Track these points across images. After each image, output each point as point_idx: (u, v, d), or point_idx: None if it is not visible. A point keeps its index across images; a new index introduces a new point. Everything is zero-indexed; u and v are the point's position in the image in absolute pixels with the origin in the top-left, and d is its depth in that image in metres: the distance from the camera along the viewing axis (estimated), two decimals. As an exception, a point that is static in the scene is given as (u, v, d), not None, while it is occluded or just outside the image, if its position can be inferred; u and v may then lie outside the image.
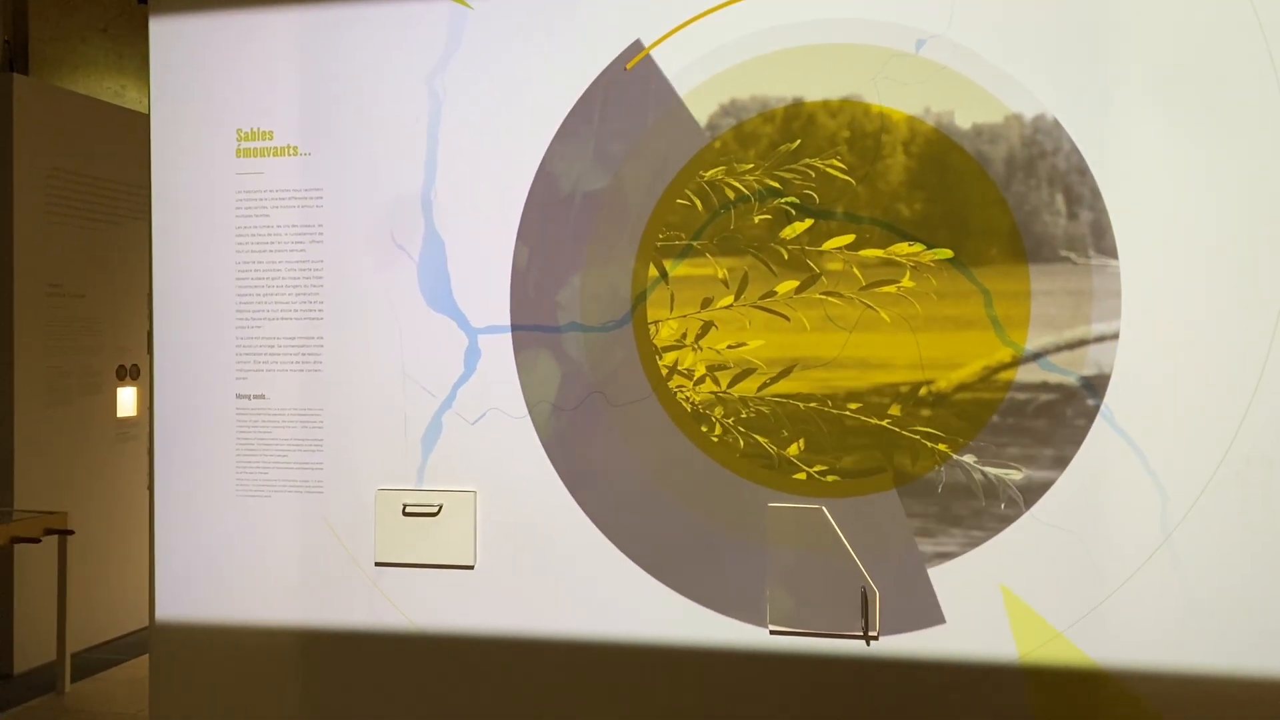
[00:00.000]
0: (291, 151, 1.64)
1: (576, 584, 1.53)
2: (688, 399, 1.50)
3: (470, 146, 1.57)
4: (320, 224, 1.63)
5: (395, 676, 1.59)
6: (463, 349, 1.57)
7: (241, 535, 1.65)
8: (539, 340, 1.55)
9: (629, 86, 1.51)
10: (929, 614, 1.43)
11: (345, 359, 1.62)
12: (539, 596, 1.54)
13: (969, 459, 1.42)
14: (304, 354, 1.63)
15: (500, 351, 1.56)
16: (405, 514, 1.58)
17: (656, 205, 1.50)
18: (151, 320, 1.69)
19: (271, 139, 1.65)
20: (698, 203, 1.49)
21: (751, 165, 1.47)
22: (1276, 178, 1.35)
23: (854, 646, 1.45)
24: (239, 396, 1.65)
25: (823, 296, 1.45)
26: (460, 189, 1.58)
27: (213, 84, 1.67)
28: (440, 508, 1.57)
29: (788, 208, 1.46)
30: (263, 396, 1.64)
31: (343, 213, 1.62)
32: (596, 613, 1.53)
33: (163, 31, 1.68)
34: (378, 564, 1.60)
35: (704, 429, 1.49)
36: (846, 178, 1.44)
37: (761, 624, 1.48)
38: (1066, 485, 1.40)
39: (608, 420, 1.52)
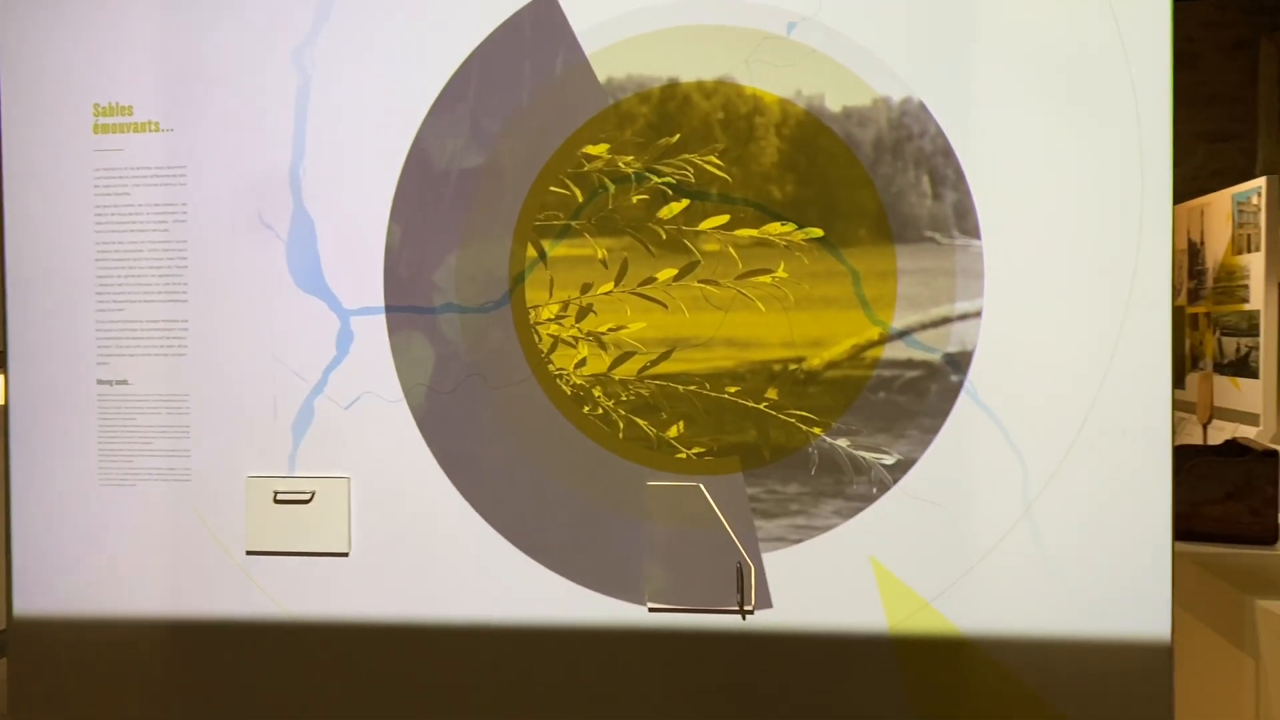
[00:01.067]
0: (152, 127, 1.57)
1: (455, 569, 1.52)
2: (568, 381, 1.49)
3: (341, 122, 1.53)
4: (184, 202, 1.57)
5: (270, 666, 1.55)
6: (334, 331, 1.54)
7: (105, 526, 1.59)
8: (414, 322, 1.52)
9: (506, 62, 1.49)
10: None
11: (211, 343, 1.56)
12: (416, 582, 1.53)
13: (840, 437, 1.45)
14: (168, 338, 1.57)
15: (374, 334, 1.53)
16: (276, 501, 1.54)
17: (534, 184, 1.49)
18: (5, 304, 1.60)
19: (131, 114, 1.58)
20: (576, 190, 1.48)
21: (631, 157, 1.47)
22: (1128, 161, 1.41)
23: (730, 621, 1.47)
24: (100, 382, 1.58)
25: (700, 285, 1.47)
26: (330, 166, 1.54)
27: (67, 55, 1.59)
28: (313, 494, 1.54)
29: (664, 188, 1.47)
30: (125, 382, 1.58)
31: (207, 191, 1.56)
32: (476, 597, 1.52)
33: (12, 0, 1.59)
34: (249, 553, 1.56)
35: (584, 410, 1.49)
36: (724, 175, 1.46)
37: (641, 602, 1.49)
38: (933, 459, 1.44)
39: (486, 403, 1.51)
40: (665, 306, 1.47)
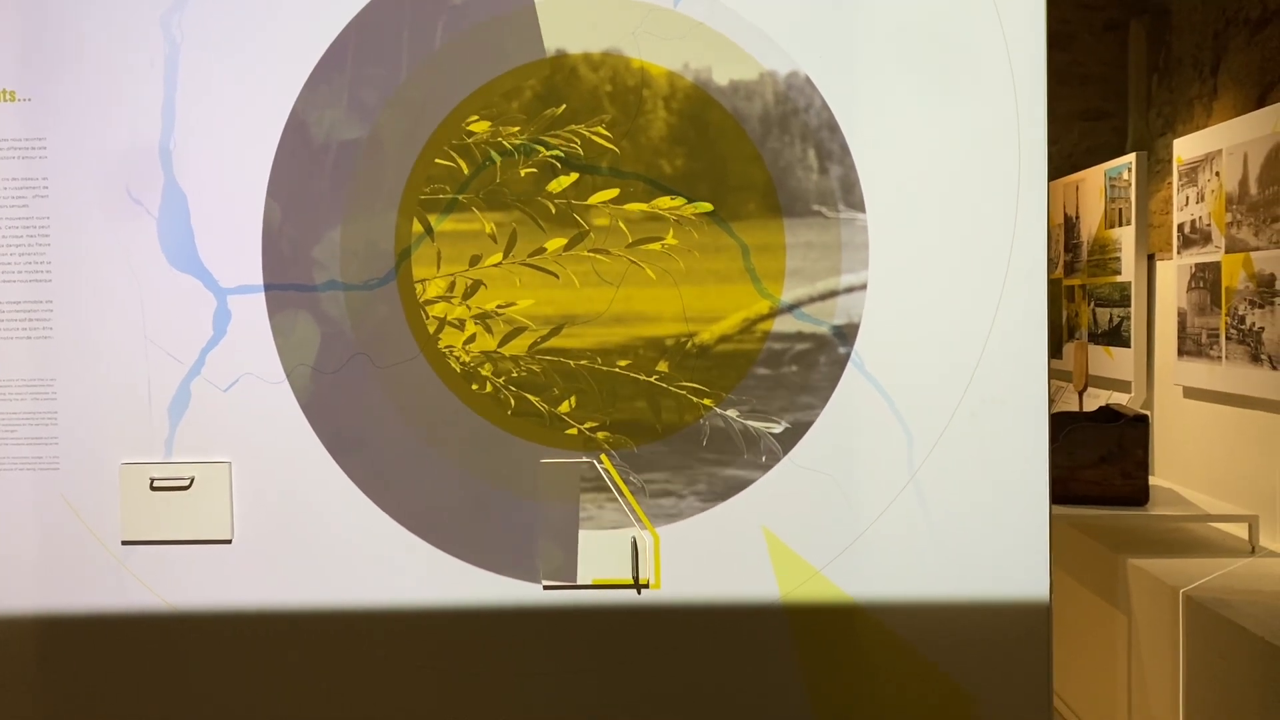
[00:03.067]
0: (8, 97, 1.48)
1: (344, 553, 1.48)
2: (457, 359, 1.47)
3: (212, 92, 1.47)
4: (45, 177, 1.48)
5: (151, 659, 1.50)
6: (211, 311, 1.48)
7: (-33, 520, 1.50)
8: (295, 300, 1.47)
9: (386, 31, 1.45)
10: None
11: (78, 324, 1.49)
12: (304, 568, 1.49)
13: (731, 410, 1.46)
14: (31, 320, 1.49)
15: (253, 313, 1.48)
16: (153, 489, 1.48)
17: (418, 158, 1.46)
18: None
19: (-16, 82, 1.49)
20: (462, 163, 1.45)
21: (518, 129, 1.45)
22: (1006, 137, 1.44)
23: (626, 596, 1.48)
24: (-43, 368, 1.49)
25: (591, 254, 1.45)
26: (203, 139, 1.47)
27: (-90, 19, 1.48)
28: (192, 480, 1.48)
29: (553, 161, 1.45)
30: (-15, 367, 1.49)
31: (70, 164, 1.48)
32: (366, 581, 1.48)
33: None
34: (125, 543, 1.49)
35: (474, 388, 1.47)
36: (612, 146, 1.44)
37: (535, 580, 1.48)
38: (821, 430, 1.46)
39: (373, 382, 1.47)
40: (556, 277, 1.45)
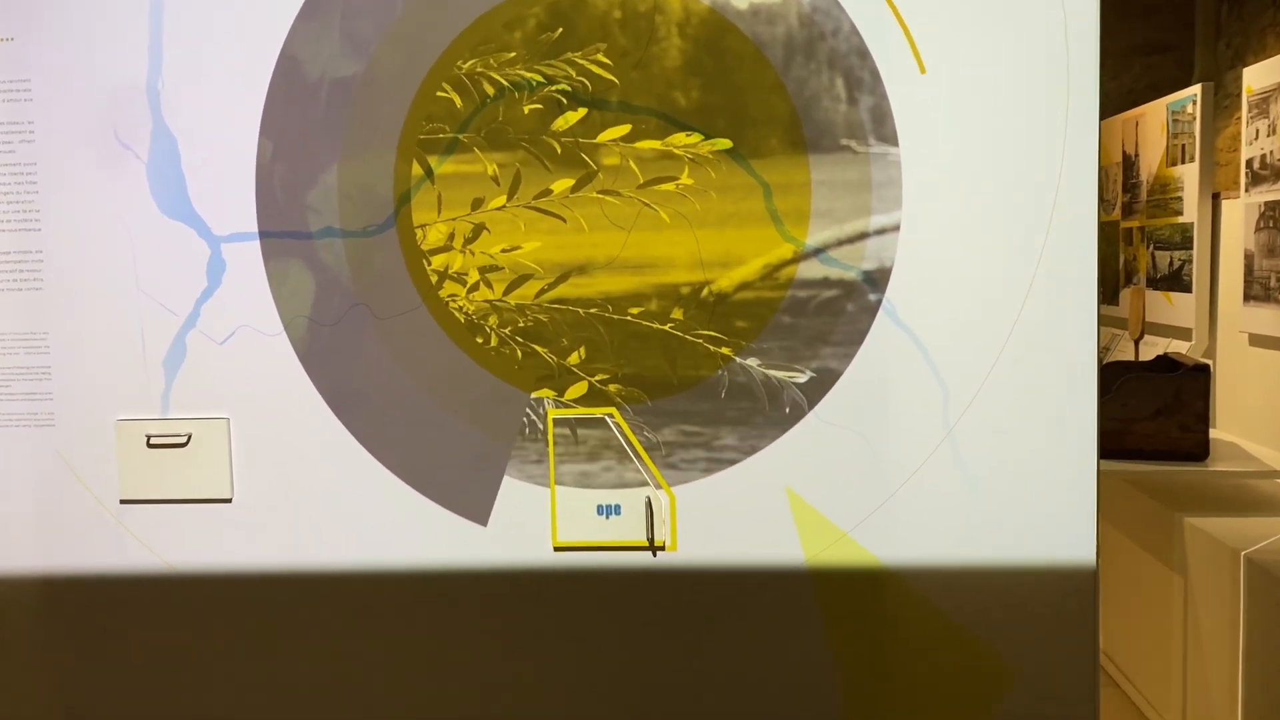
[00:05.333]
0: (-5, 37, 1.42)
1: (346, 511, 1.42)
2: (460, 308, 1.38)
3: (200, 29, 1.38)
4: (30, 120, 1.42)
5: (151, 620, 1.45)
6: (204, 260, 1.41)
7: (-31, 478, 1.46)
8: (291, 248, 1.40)
9: (379, -39, 1.35)
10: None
11: (70, 275, 1.43)
12: (305, 527, 1.43)
13: (752, 361, 1.37)
14: (21, 271, 1.43)
15: (247, 262, 1.40)
16: (150, 445, 1.43)
17: (416, 95, 1.36)
18: None
19: (-30, 22, 1.42)
20: (462, 100, 1.35)
21: (513, 54, 1.34)
22: (1054, 70, 1.31)
23: (641, 558, 1.40)
24: (-46, 322, 1.44)
25: (600, 195, 1.36)
26: (191, 78, 1.39)
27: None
28: (189, 437, 1.42)
29: (559, 96, 1.35)
30: (-20, 321, 1.44)
31: (56, 107, 1.41)
32: (370, 541, 1.42)
33: None
34: (123, 501, 1.44)
35: (479, 340, 1.39)
36: (611, 76, 1.34)
37: (545, 540, 1.40)
38: (849, 383, 1.36)
39: (373, 334, 1.40)
40: (563, 221, 1.36)
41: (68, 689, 1.47)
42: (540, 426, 1.39)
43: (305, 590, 1.43)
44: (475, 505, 1.40)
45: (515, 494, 1.40)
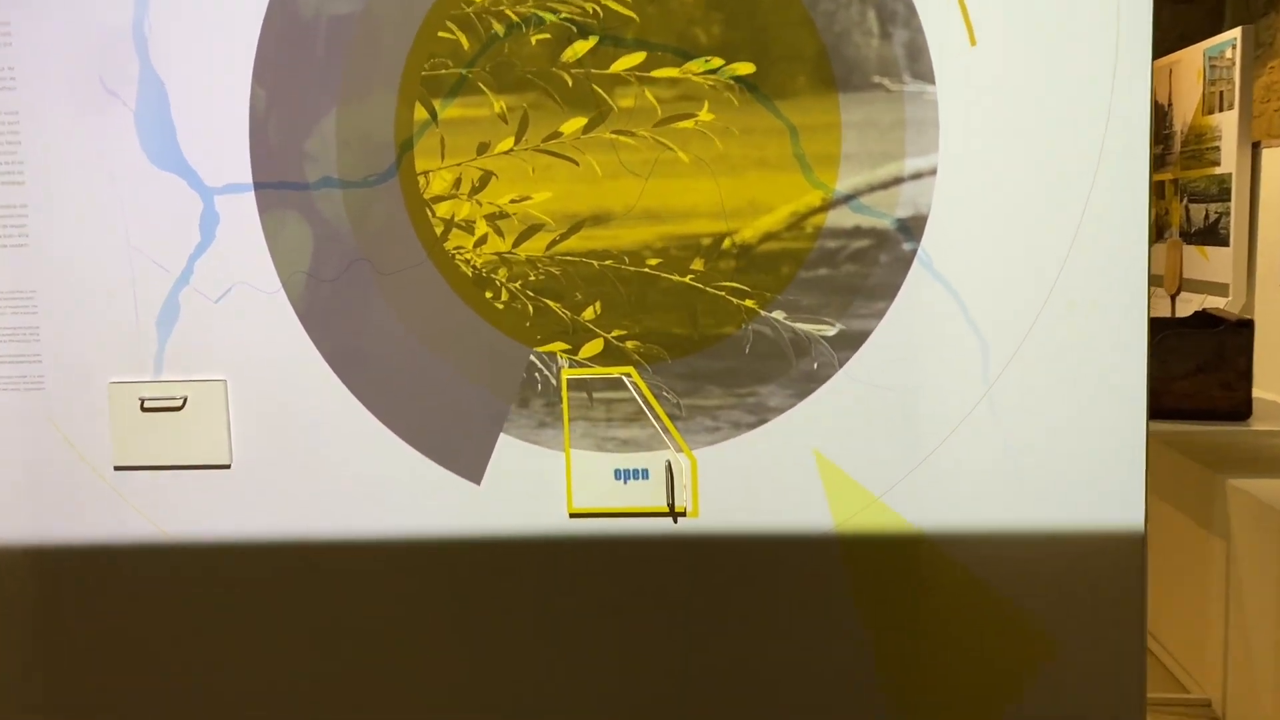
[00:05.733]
0: (-28, -21, 1.33)
1: (350, 476, 1.35)
2: (468, 262, 1.30)
3: (187, -35, 1.30)
4: (10, 66, 1.33)
5: (149, 592, 1.39)
6: (197, 213, 1.33)
7: (-41, 444, 1.40)
8: (288, 200, 1.32)
9: (376, -111, 1.26)
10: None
11: (57, 231, 1.35)
12: (308, 493, 1.36)
13: (778, 315, 1.28)
14: (5, 226, 1.36)
15: (243, 215, 1.32)
16: (145, 409, 1.36)
17: (418, 33, 1.28)
18: None
19: (-53, -36, 1.33)
20: (462, 37, 1.27)
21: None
22: (1104, 2, 1.22)
23: (661, 525, 1.32)
24: (-61, 282, 1.37)
25: (614, 136, 1.27)
26: (180, 20, 1.31)
27: None
28: (184, 400, 1.35)
29: (569, 25, 1.26)
30: (-35, 280, 1.37)
31: (39, 51, 1.33)
32: (376, 508, 1.35)
33: None
34: (118, 468, 1.38)
35: (488, 295, 1.31)
36: (629, 12, 1.24)
37: (559, 506, 1.33)
38: (882, 339, 1.28)
39: (376, 290, 1.32)
40: (575, 164, 1.27)
41: (61, 663, 1.42)
42: (554, 385, 1.31)
43: (308, 559, 1.37)
44: (488, 470, 1.33)
45: (529, 458, 1.32)
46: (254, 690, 1.40)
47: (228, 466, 1.36)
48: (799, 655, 1.33)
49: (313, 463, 1.35)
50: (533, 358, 1.31)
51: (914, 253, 1.26)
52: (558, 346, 1.31)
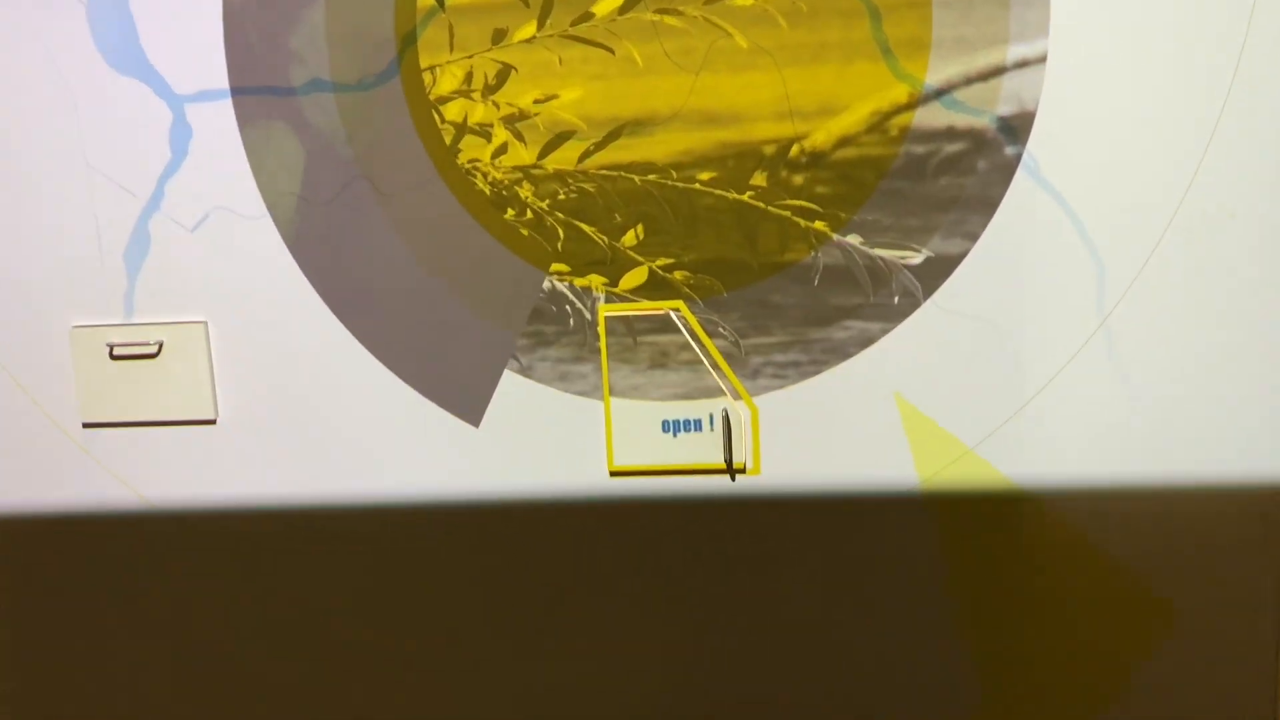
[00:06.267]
0: None
1: (353, 431, 1.16)
2: (485, 177, 1.10)
3: None
4: (-60, -46, 1.13)
5: (127, 564, 1.22)
6: (166, 126, 1.13)
7: (-89, 400, 1.22)
8: (271, 108, 1.11)
9: None
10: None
11: (4, 150, 1.16)
12: (305, 451, 1.17)
13: (853, 238, 1.08)
14: (-56, 146, 1.16)
15: (219, 127, 1.12)
16: (114, 357, 1.17)
17: (420, -96, 1.06)
18: None
19: None
20: (478, -100, 1.05)
21: None
22: None
23: (716, 485, 1.14)
24: (-122, 214, 1.18)
25: (657, 16, 1.05)
26: (135, -109, 1.10)
27: None
28: (160, 346, 1.16)
29: (603, -101, 1.04)
30: (-94, 211, 1.18)
31: (-28, -64, 1.13)
32: (382, 465, 1.17)
33: None
34: (86, 425, 1.19)
35: (509, 217, 1.11)
36: None
37: (601, 465, 1.15)
38: (978, 262, 1.07)
39: (377, 214, 1.12)
40: (611, 53, 1.06)
41: (28, 642, 1.25)
42: (589, 322, 1.12)
43: (313, 524, 1.19)
44: (512, 424, 1.14)
45: (562, 408, 1.13)
46: (242, 670, 1.23)
47: (213, 422, 1.18)
48: (878, 631, 1.15)
49: (308, 414, 1.17)
50: (564, 289, 1.11)
51: (1018, 158, 1.05)
52: (594, 279, 1.11)
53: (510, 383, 1.13)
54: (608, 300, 1.11)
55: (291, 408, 1.16)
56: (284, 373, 1.16)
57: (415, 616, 1.19)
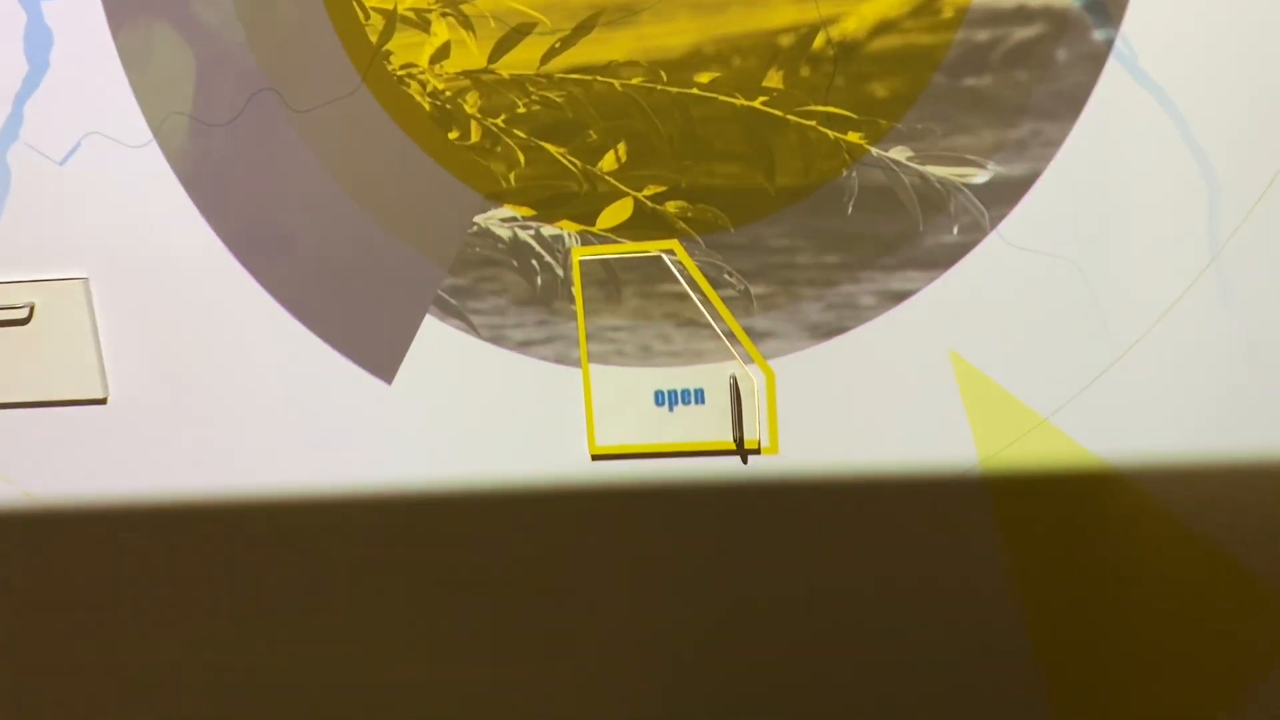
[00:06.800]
0: None
1: (271, 406, 0.94)
2: (423, 87, 0.86)
3: None
4: None
5: (10, 570, 1.01)
6: (19, 31, 0.89)
7: None
8: (150, 6, 0.87)
9: None
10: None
11: None
12: (216, 431, 0.95)
13: (898, 152, 0.84)
14: None
15: (87, 31, 0.89)
16: (-25, 324, 0.95)
17: None
18: None
19: None
20: None
21: None
22: None
23: (722, 466, 0.91)
24: None
25: (636, -122, 0.81)
26: None
27: None
28: (31, 309, 0.94)
29: None
30: None
31: None
32: (308, 449, 0.95)
33: None
34: (-49, 408, 0.98)
35: (453, 136, 0.87)
36: None
37: (580, 444, 0.92)
38: (1058, 182, 0.83)
39: (289, 136, 0.89)
40: (576, -74, 0.82)
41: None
42: (560, 275, 0.88)
43: (227, 519, 0.97)
44: (461, 393, 0.92)
45: (532, 378, 0.91)
46: (150, 680, 1.02)
47: (103, 402, 0.96)
48: (927, 641, 0.93)
49: (215, 389, 0.94)
50: (527, 239, 0.88)
51: (1109, 45, 0.81)
52: (563, 218, 0.87)
53: (463, 347, 0.91)
54: (584, 243, 0.88)
55: (192, 381, 0.94)
56: (183, 338, 0.93)
57: (349, 609, 0.98)
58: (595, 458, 0.92)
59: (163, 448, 0.96)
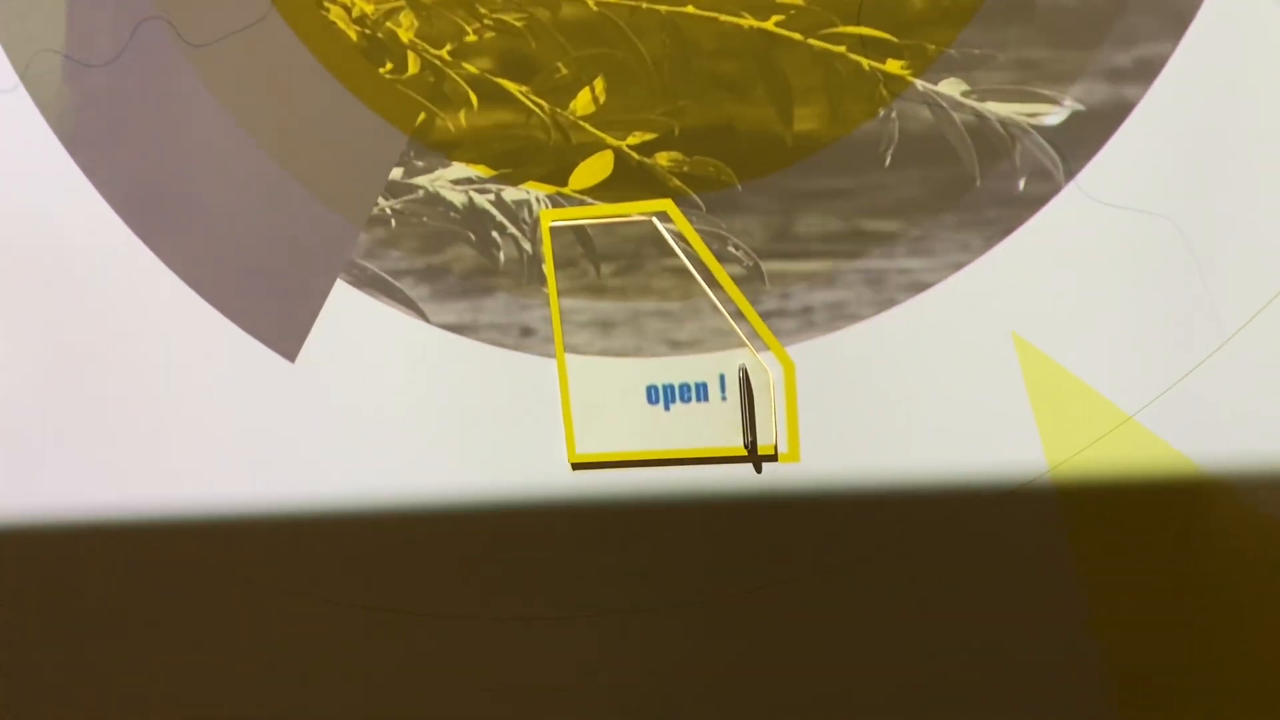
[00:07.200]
0: None
1: (180, 401, 0.78)
2: (348, 11, 0.69)
3: None
4: None
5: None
6: None
7: None
8: (2, -92, 0.70)
9: None
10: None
11: None
12: (129, 445, 0.79)
13: (948, 86, 0.66)
14: None
15: (-76, -58, 0.71)
16: None
17: None
18: None
19: None
20: None
21: None
22: None
23: (733, 476, 0.75)
24: None
25: None
26: None
27: None
28: (-119, 294, 0.77)
29: None
30: None
31: None
32: (240, 456, 0.78)
33: None
34: None
35: (386, 71, 0.69)
36: None
37: (559, 451, 0.76)
38: (1145, 124, 0.66)
39: (186, 76, 0.71)
40: None
41: None
42: (525, 248, 0.71)
43: (158, 542, 0.81)
44: (408, 386, 0.75)
45: (499, 370, 0.74)
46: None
47: (-22, 404, 0.79)
48: (979, 677, 0.77)
49: (114, 382, 0.78)
50: (486, 204, 0.71)
51: (1223, -58, 0.63)
52: (529, 178, 0.70)
53: (415, 333, 0.74)
54: (555, 205, 0.70)
55: (86, 380, 0.77)
56: (68, 320, 0.77)
57: (305, 645, 0.83)
58: (576, 467, 0.75)
59: (57, 459, 0.79)
